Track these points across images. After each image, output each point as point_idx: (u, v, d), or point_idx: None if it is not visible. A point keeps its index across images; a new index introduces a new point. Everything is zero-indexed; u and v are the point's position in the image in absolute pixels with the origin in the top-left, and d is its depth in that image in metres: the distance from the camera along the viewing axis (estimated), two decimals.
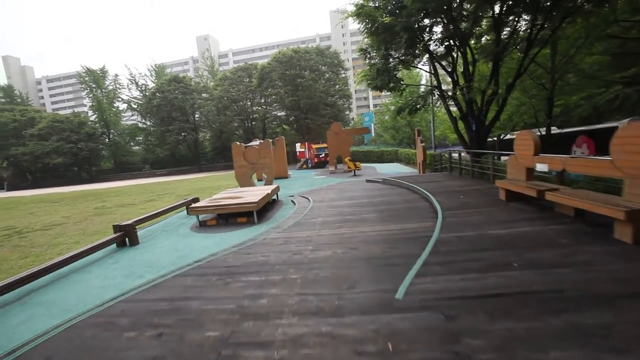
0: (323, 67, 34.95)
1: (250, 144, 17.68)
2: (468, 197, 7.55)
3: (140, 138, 52.32)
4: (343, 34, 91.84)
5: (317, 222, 6.99)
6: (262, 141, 16.17)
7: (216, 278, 4.12)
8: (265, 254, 4.97)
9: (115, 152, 52.49)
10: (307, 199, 10.61)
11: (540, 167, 5.80)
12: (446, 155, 14.62)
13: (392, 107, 43.84)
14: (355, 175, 18.23)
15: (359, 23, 11.65)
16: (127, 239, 7.52)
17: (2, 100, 56.23)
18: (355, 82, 16.19)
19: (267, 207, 10.09)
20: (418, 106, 14.46)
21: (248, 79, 39.17)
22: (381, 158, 27.46)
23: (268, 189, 10.60)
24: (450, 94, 11.86)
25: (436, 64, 11.85)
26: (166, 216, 10.38)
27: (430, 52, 11.03)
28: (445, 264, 3.77)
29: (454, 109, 13.00)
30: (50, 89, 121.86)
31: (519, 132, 6.64)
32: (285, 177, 20.25)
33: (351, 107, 40.87)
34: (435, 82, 12.25)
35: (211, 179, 26.51)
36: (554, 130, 18.57)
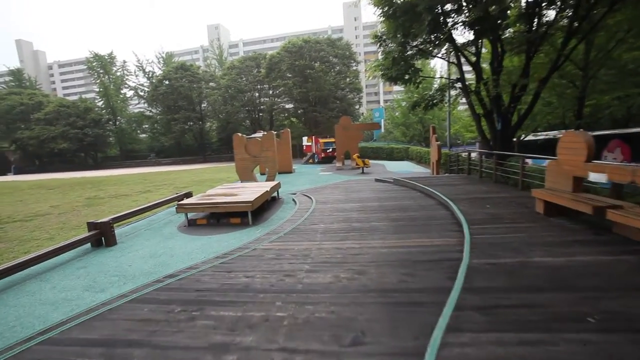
0: (334, 59, 33.62)
1: (253, 135, 16.73)
2: (496, 207, 6.46)
3: (147, 126, 51.85)
4: (356, 27, 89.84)
5: (318, 229, 5.99)
6: (265, 133, 15.18)
7: (180, 309, 3.16)
8: (250, 273, 4.00)
9: (121, 139, 52.13)
10: (310, 198, 9.62)
11: (596, 177, 4.69)
12: (463, 156, 13.45)
13: (404, 103, 42.41)
14: (363, 172, 17.16)
15: (374, 6, 10.48)
16: (103, 239, 6.66)
17: (12, 83, 56.17)
18: (366, 73, 14.89)
19: (265, 205, 9.14)
20: (435, 101, 13.31)
21: (257, 69, 38.08)
22: (391, 155, 26.27)
23: (267, 186, 9.63)
24: (473, 88, 10.65)
25: (459, 54, 10.61)
26: (155, 211, 9.50)
27: (454, 40, 9.83)
28: (487, 310, 2.74)
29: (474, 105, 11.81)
30: (61, 74, 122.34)
31: (564, 132, 5.52)
32: (290, 171, 19.29)
33: (361, 102, 39.53)
34: (457, 74, 11.03)
35: (214, 171, 25.70)
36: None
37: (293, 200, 9.95)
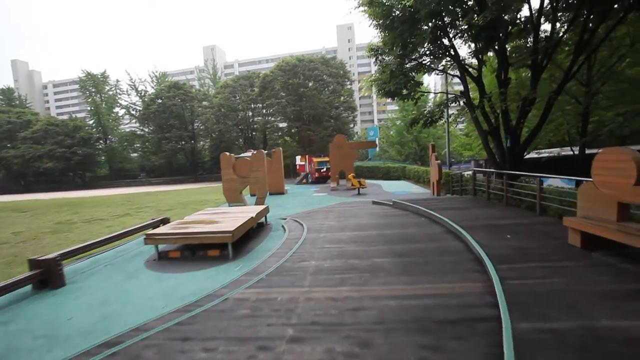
0: (328, 78, 33.43)
1: (241, 155, 15.81)
2: (518, 237, 5.48)
3: (138, 145, 50.84)
4: (349, 48, 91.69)
5: (308, 267, 4.94)
6: (255, 152, 14.26)
7: None
8: (212, 344, 2.91)
9: (111, 159, 50.90)
10: (301, 225, 8.58)
11: None
12: (467, 175, 12.60)
13: (399, 122, 42.20)
14: (359, 193, 16.21)
15: (369, 18, 9.87)
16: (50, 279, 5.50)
17: (2, 102, 55.23)
18: (361, 88, 14.13)
19: (250, 233, 8.07)
20: (434, 118, 12.59)
21: (250, 88, 37.76)
22: (387, 175, 25.47)
23: (253, 212, 8.58)
24: (477, 103, 9.93)
25: (463, 67, 9.94)
26: (127, 240, 8.34)
27: (456, 51, 9.17)
28: None
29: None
30: (55, 93, 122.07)
31: (603, 150, 4.64)
32: (282, 193, 18.27)
33: (355, 120, 39.21)
34: (462, 89, 10.32)
35: (203, 191, 24.57)
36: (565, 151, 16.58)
37: (282, 227, 8.89)
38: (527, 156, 20.10)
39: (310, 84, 32.62)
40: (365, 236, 6.68)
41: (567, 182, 10.37)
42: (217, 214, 8.60)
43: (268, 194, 18.43)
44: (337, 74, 34.18)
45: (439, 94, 26.56)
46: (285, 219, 10.14)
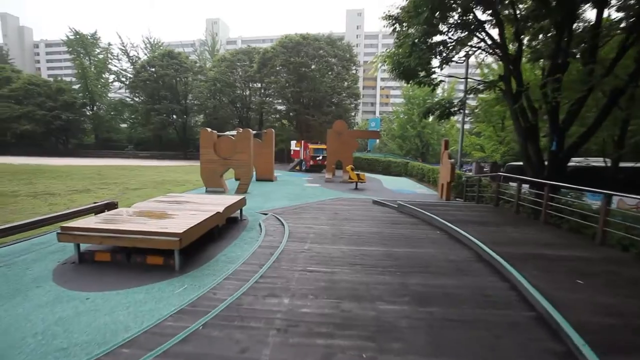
0: (333, 60, 31.01)
1: (225, 133, 13.83)
2: (597, 286, 3.69)
3: (128, 115, 48.01)
4: (357, 35, 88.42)
5: (275, 314, 3.10)
6: (241, 130, 12.28)
7: None
8: None
9: (97, 127, 48.05)
10: (283, 225, 6.74)
11: None
12: (487, 181, 10.78)
13: (403, 115, 40.19)
14: (357, 188, 14.37)
15: None
16: None
17: None
18: (372, 68, 12.03)
19: (215, 231, 6.20)
20: (453, 109, 10.70)
21: (249, 64, 35.19)
22: (387, 170, 23.62)
23: (221, 205, 6.68)
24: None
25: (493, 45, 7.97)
26: (51, 228, 6.39)
27: (501, 23, 7.19)
28: None
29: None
30: (48, 54, 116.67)
31: None
32: (271, 179, 16.36)
33: (358, 108, 37.00)
34: (500, 72, 8.34)
35: (186, 170, 22.49)
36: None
37: (260, 225, 7.04)
38: (516, 163, 18.48)
39: (313, 65, 30.23)
40: (367, 255, 4.85)
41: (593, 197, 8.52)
42: (175, 204, 6.69)
43: (255, 179, 16.53)
44: (343, 57, 31.76)
45: (460, 81, 24.13)
46: (266, 214, 8.30)
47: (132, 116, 46.44)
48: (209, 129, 12.26)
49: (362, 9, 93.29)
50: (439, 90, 40.60)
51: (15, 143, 45.33)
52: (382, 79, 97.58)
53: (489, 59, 12.64)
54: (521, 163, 20.25)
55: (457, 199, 12.39)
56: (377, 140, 43.97)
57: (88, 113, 47.21)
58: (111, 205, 6.88)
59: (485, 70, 17.70)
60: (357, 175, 14.27)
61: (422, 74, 9.83)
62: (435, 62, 9.79)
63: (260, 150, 16.24)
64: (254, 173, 16.93)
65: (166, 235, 4.63)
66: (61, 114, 40.58)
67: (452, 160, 11.92)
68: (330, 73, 31.94)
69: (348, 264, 4.45)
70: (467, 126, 34.44)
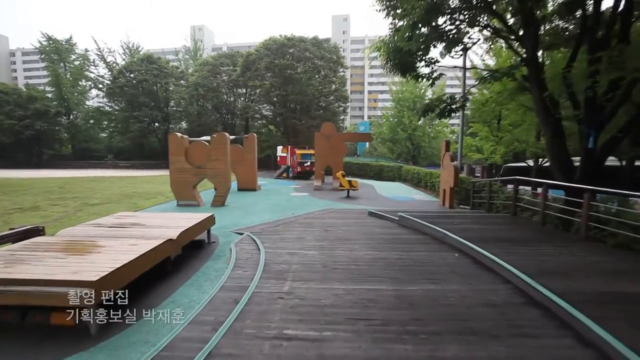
0: (319, 62, 29.82)
1: (199, 138, 12.34)
2: None
3: (106, 123, 45.70)
4: (344, 40, 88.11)
5: None
6: (215, 135, 10.79)
7: None
8: None
9: (74, 136, 45.56)
10: (259, 250, 5.28)
11: None
12: (501, 186, 9.52)
13: (393, 118, 39.22)
14: (348, 196, 12.98)
15: None
16: None
17: None
18: (366, 53, 10.46)
19: (168, 265, 4.68)
20: (455, 105, 9.49)
21: (232, 67, 33.68)
22: (379, 174, 22.37)
23: (179, 227, 5.16)
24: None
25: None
26: None
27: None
28: None
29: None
30: (25, 62, 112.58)
31: None
32: (253, 189, 14.83)
33: (347, 112, 35.82)
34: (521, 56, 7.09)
35: (162, 180, 20.65)
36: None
37: (230, 250, 5.55)
38: (515, 164, 17.49)
39: (299, 68, 28.95)
40: (372, 301, 3.41)
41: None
42: (117, 228, 5.14)
43: (236, 189, 14.98)
44: (330, 59, 30.62)
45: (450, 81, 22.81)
46: (241, 233, 6.82)
47: (112, 125, 44.18)
48: (179, 134, 10.72)
49: (348, 15, 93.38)
50: (428, 92, 39.77)
51: None
52: (370, 83, 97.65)
53: (498, 44, 11.37)
54: (521, 164, 19.27)
55: (461, 206, 11.13)
56: (367, 144, 42.90)
57: (64, 122, 44.74)
58: (33, 232, 5.27)
59: (490, 62, 16.34)
60: (349, 182, 12.89)
61: (421, 64, 8.60)
62: (434, 52, 8.59)
63: (241, 156, 14.73)
64: (235, 182, 15.40)
65: (75, 285, 3.11)
66: (33, 123, 38.12)
67: (455, 162, 10.68)
68: (317, 76, 30.73)
69: (346, 321, 3.00)
70: (459, 127, 33.65)
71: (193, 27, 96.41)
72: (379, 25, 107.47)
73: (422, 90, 38.95)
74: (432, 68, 8.67)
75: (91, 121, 46.79)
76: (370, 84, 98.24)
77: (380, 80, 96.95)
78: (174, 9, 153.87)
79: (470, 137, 22.98)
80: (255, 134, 14.93)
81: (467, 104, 11.02)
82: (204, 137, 11.93)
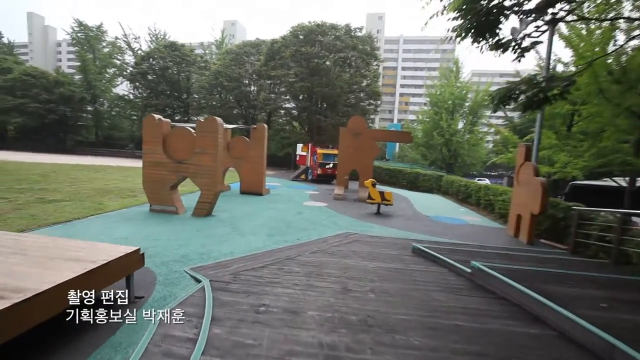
0: (351, 52, 26.63)
1: (184, 124, 9.68)
2: None
3: (129, 112, 45.07)
4: (377, 39, 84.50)
5: None
6: (203, 119, 7.98)
7: None
8: None
9: (98, 124, 45.29)
10: (204, 341, 2.27)
11: None
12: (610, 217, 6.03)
13: (428, 119, 35.18)
14: (379, 213, 9.79)
15: None
16: None
17: None
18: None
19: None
20: (552, 92, 6.13)
21: (257, 57, 31.29)
22: (414, 183, 18.88)
23: (42, 283, 2.24)
24: None
25: None
26: None
27: None
28: None
29: None
30: (69, 52, 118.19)
31: None
32: (260, 192, 11.99)
33: (378, 110, 32.34)
34: None
35: None
36: None
37: (146, 334, 2.61)
38: (585, 182, 13.95)
39: (328, 58, 25.87)
40: None
41: None
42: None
43: (239, 191, 12.22)
44: (363, 50, 27.34)
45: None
46: (199, 280, 3.92)
47: (133, 113, 43.39)
48: (157, 116, 8.01)
49: (384, 13, 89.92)
50: (470, 93, 35.28)
51: (15, 137, 43.01)
52: (402, 86, 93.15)
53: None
54: (595, 183, 15.18)
55: (542, 241, 7.64)
56: (397, 148, 39.16)
57: (89, 108, 44.54)
58: None
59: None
60: (381, 194, 9.70)
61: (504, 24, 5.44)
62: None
63: (246, 152, 11.93)
64: (239, 184, 12.63)
65: None
66: (56, 107, 37.75)
67: (543, 179, 7.22)
68: (348, 68, 27.55)
69: None
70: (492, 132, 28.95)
71: (226, 22, 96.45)
72: (414, 24, 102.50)
73: (465, 91, 34.82)
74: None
75: (116, 109, 46.37)
76: (402, 86, 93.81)
77: (414, 83, 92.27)
78: (210, 7, 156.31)
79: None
80: (265, 125, 12.06)
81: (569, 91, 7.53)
82: (190, 124, 9.15)
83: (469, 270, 4.42)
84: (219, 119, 7.79)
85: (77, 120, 43.38)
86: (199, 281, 3.97)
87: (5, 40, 53.27)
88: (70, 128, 43.62)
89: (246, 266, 4.53)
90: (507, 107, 7.02)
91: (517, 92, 6.61)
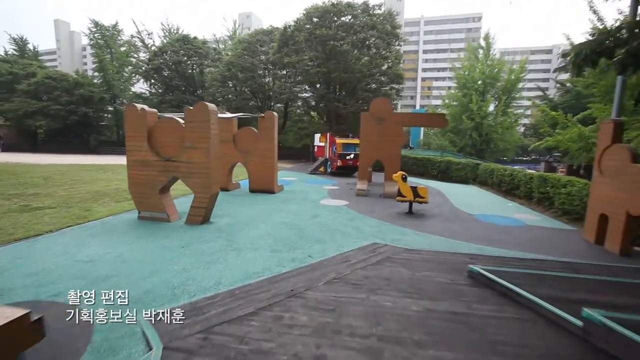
0: (370, 32, 24.35)
1: (174, 114, 8.36)
2: None
3: None
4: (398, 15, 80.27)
5: None
6: (192, 107, 6.55)
7: None
8: None
9: (118, 123, 45.75)
10: None
11: None
12: None
13: (455, 103, 32.30)
14: (410, 212, 8.08)
15: None
16: None
17: (16, 53, 51.56)
18: None
19: None
20: None
21: (270, 45, 29.73)
22: (446, 173, 16.80)
23: None
24: None
25: None
26: None
27: None
28: None
29: None
30: (92, 54, 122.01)
31: None
32: (271, 190, 10.55)
33: (400, 95, 29.90)
34: None
35: None
36: None
37: None
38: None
39: (345, 40, 23.83)
40: None
41: None
42: None
43: (248, 189, 10.86)
44: (383, 30, 25.00)
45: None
46: (150, 347, 2.47)
47: None
48: (140, 106, 6.67)
49: None
50: (503, 72, 31.78)
51: (44, 140, 44.25)
52: (424, 70, 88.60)
53: None
54: None
55: (637, 249, 5.70)
56: (422, 134, 36.55)
57: (110, 108, 44.97)
58: None
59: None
60: (413, 189, 7.96)
61: None
62: None
63: (255, 144, 10.50)
64: (247, 181, 11.28)
65: None
66: (77, 108, 38.14)
67: None
68: (366, 50, 25.38)
69: None
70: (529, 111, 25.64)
71: (241, 14, 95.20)
72: (434, 4, 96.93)
73: (496, 69, 31.64)
74: None
75: None
76: (424, 70, 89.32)
77: (436, 66, 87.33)
78: (226, 1, 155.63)
79: (582, 124, 16.30)
80: (275, 113, 10.52)
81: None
82: (179, 114, 7.75)
83: (579, 324, 2.72)
84: (211, 105, 6.33)
85: (99, 121, 43.91)
86: (151, 347, 2.54)
87: (30, 46, 54.56)
88: (93, 128, 44.28)
89: (229, 312, 3.07)
90: (594, 68, 5.06)
91: (613, 44, 4.71)
